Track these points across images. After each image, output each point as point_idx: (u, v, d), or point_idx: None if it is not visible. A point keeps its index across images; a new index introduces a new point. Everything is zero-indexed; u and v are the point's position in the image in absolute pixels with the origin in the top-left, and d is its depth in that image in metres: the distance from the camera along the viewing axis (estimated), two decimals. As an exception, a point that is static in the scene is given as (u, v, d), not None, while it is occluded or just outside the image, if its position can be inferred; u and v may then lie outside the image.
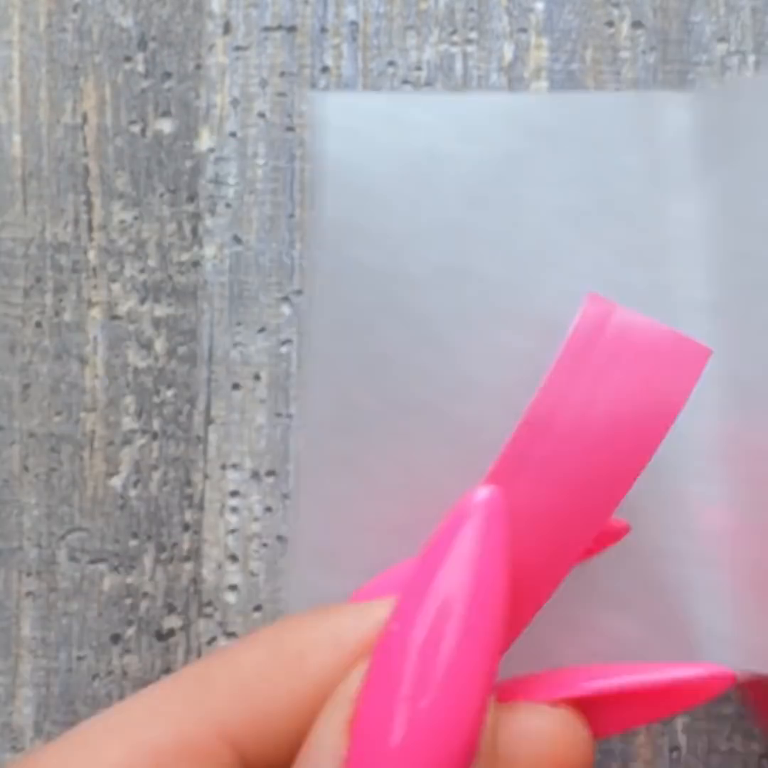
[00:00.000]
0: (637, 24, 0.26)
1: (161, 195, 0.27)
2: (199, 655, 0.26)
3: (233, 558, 0.26)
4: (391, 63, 0.27)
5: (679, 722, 0.26)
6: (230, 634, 0.26)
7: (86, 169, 0.27)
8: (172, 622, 0.27)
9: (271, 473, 0.27)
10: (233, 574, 0.26)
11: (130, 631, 0.27)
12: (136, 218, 0.27)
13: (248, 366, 0.27)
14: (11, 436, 0.27)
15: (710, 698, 0.19)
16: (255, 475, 0.26)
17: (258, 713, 0.17)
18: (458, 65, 0.26)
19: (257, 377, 0.27)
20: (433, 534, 0.18)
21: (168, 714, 0.17)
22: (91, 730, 0.17)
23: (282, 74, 0.27)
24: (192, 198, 0.27)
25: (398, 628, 0.17)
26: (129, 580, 0.27)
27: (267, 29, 0.27)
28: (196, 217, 0.27)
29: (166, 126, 0.27)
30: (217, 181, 0.27)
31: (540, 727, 0.18)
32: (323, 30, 0.27)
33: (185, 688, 0.17)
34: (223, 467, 0.26)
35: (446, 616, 0.17)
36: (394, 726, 0.16)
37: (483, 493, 0.18)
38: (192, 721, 0.17)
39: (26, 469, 0.27)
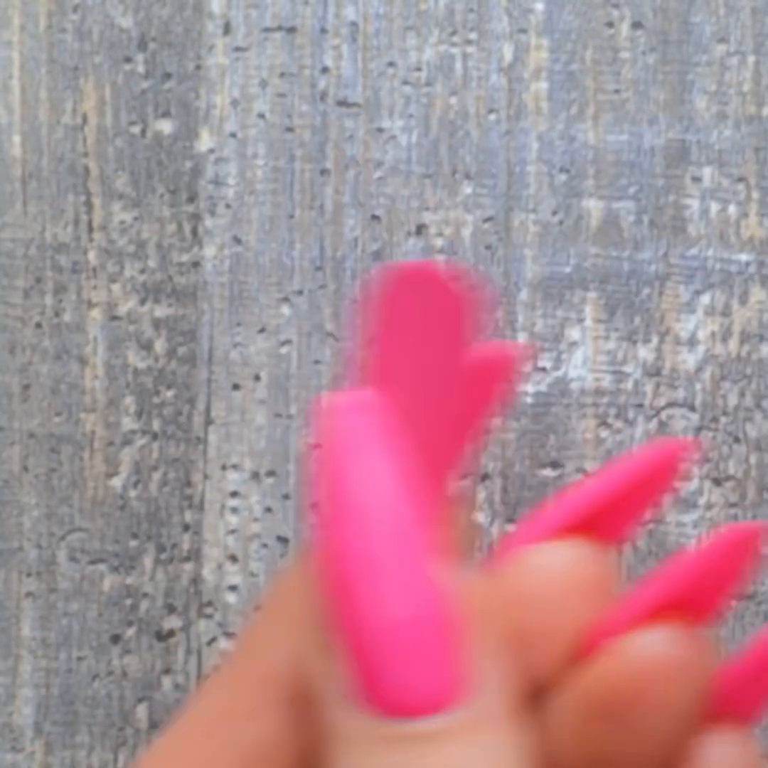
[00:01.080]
0: (637, 24, 0.26)
1: (161, 196, 0.27)
2: (199, 655, 0.26)
3: (233, 558, 0.26)
4: (391, 64, 0.27)
5: (679, 722, 0.26)
6: (230, 635, 0.26)
7: (86, 169, 0.27)
8: (172, 622, 0.27)
9: (271, 474, 0.27)
10: (233, 575, 0.26)
11: (130, 632, 0.27)
12: (136, 219, 0.27)
13: (248, 366, 0.27)
14: (11, 436, 0.27)
15: (686, 461, 0.21)
16: (255, 475, 0.27)
17: (283, 661, 0.19)
18: (458, 66, 0.26)
19: (257, 378, 0.27)
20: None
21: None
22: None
23: (282, 75, 0.27)
24: (192, 198, 0.27)
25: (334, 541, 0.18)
26: (129, 580, 0.27)
27: (267, 30, 0.27)
28: (196, 217, 0.27)
29: (166, 127, 0.27)
30: (217, 181, 0.27)
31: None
32: (323, 31, 0.27)
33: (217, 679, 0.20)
34: (223, 468, 0.27)
35: (369, 518, 0.18)
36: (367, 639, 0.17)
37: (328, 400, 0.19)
38: (234, 691, 0.19)
39: (26, 469, 0.27)
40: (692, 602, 0.19)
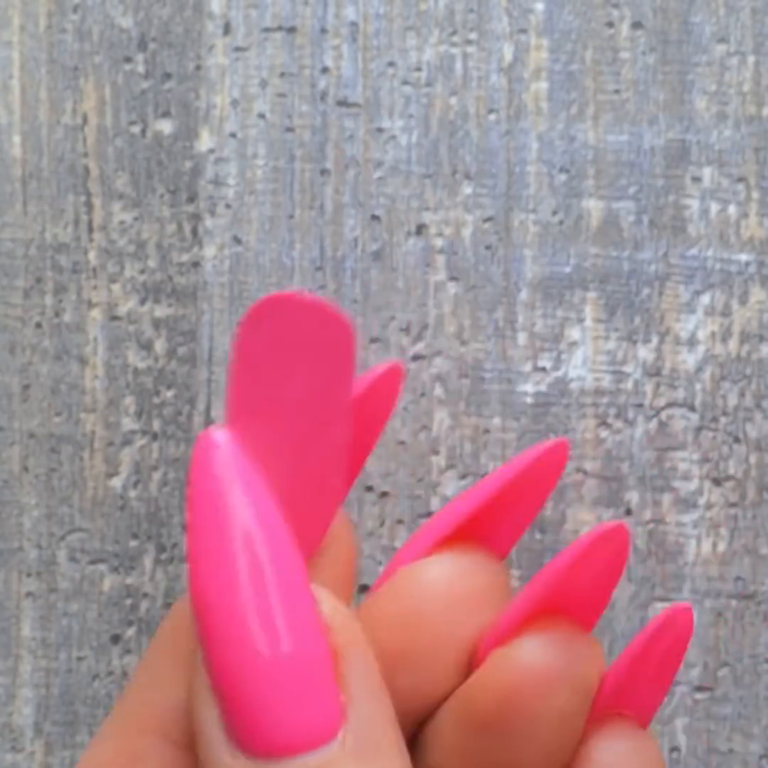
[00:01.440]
0: (637, 25, 0.26)
1: (161, 196, 0.27)
2: (199, 655, 0.27)
3: (233, 558, 0.26)
4: (390, 64, 0.27)
5: (679, 723, 0.26)
6: (230, 635, 0.26)
7: (86, 169, 0.27)
8: (172, 622, 0.27)
9: (271, 474, 0.27)
10: (233, 575, 0.26)
11: (131, 632, 0.27)
12: (136, 219, 0.27)
13: (248, 366, 0.27)
14: (11, 436, 0.27)
15: (561, 467, 0.21)
16: (255, 475, 0.26)
17: (162, 704, 0.19)
18: (458, 66, 0.27)
19: (257, 378, 0.27)
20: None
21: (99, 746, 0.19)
22: None
23: (282, 75, 0.27)
24: (192, 198, 0.27)
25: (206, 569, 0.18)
26: (129, 580, 0.27)
27: (267, 30, 0.27)
28: (196, 217, 0.27)
29: (166, 127, 0.27)
30: (217, 181, 0.27)
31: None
32: (323, 31, 0.27)
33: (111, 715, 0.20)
34: (223, 468, 0.26)
35: (247, 548, 0.17)
36: (250, 663, 0.17)
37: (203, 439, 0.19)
38: (115, 739, 0.19)
39: (26, 469, 0.27)
40: (568, 604, 0.19)
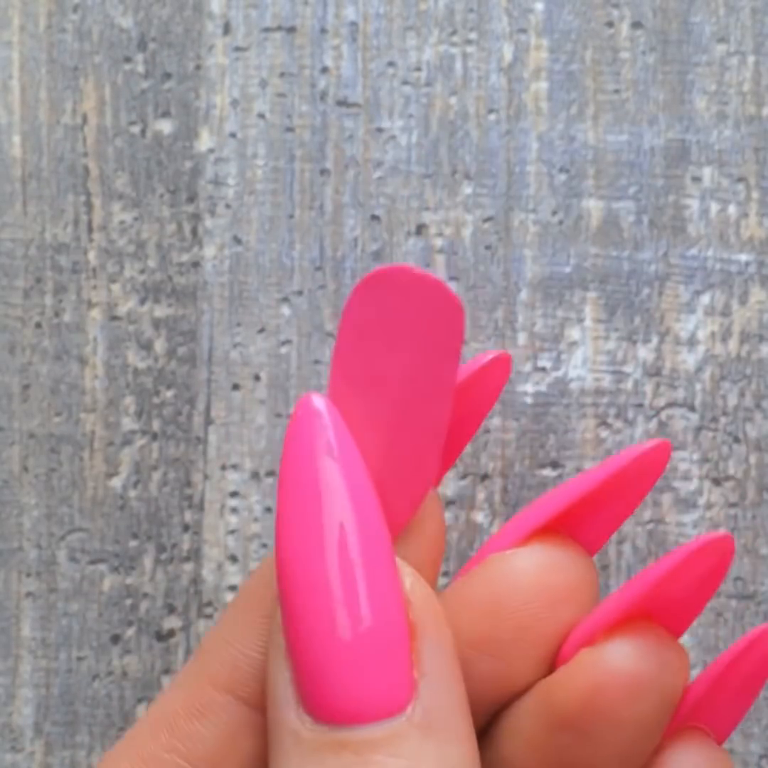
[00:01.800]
0: (637, 24, 0.26)
1: (161, 196, 0.27)
2: (199, 655, 0.27)
3: (233, 558, 0.26)
4: (390, 64, 0.27)
5: (679, 722, 0.26)
6: (230, 635, 0.26)
7: (86, 169, 0.27)
8: (172, 622, 0.27)
9: (271, 474, 0.27)
10: (233, 575, 0.26)
11: (130, 632, 0.27)
12: (136, 219, 0.27)
13: (248, 366, 0.27)
14: (11, 436, 0.27)
15: (662, 467, 0.21)
16: (255, 475, 0.27)
17: (236, 662, 0.19)
18: (458, 66, 0.27)
19: (257, 378, 0.27)
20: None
21: (170, 700, 0.20)
22: (106, 758, 0.20)
23: (282, 75, 0.27)
24: (192, 199, 0.27)
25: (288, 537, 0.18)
26: (129, 580, 0.27)
27: (267, 30, 0.27)
28: (196, 217, 0.27)
29: (165, 126, 0.27)
30: (217, 181, 0.27)
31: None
32: (323, 30, 0.27)
33: (180, 678, 0.20)
34: (223, 468, 0.27)
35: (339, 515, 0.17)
36: (328, 631, 0.17)
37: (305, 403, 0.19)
38: (187, 690, 0.19)
39: (26, 469, 0.27)
40: (664, 611, 0.19)
